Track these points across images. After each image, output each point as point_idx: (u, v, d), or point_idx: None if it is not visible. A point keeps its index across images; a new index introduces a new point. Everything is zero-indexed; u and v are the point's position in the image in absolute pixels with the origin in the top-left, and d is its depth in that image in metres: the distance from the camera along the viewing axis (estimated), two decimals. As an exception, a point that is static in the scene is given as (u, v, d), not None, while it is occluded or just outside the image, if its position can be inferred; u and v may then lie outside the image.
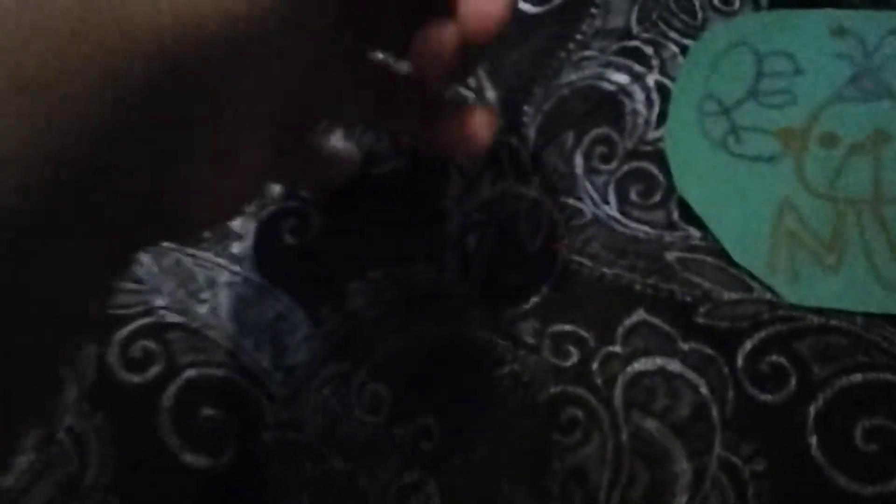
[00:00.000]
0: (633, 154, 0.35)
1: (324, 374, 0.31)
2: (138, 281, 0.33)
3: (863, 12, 0.36)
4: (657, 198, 0.34)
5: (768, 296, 0.31)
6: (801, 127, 0.34)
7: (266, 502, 0.29)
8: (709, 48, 0.36)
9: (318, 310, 0.31)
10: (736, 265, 0.32)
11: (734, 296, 0.31)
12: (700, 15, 0.37)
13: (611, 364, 0.30)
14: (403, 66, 0.28)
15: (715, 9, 0.37)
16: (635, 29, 0.37)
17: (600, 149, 0.35)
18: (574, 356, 0.31)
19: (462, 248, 0.33)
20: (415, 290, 0.32)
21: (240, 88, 0.18)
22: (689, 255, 0.32)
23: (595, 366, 0.30)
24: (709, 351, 0.30)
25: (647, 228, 0.33)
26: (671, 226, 0.33)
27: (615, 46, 0.37)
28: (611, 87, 0.36)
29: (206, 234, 0.33)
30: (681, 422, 0.29)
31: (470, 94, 0.36)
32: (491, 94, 0.36)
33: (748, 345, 0.30)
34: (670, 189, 0.34)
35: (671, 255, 0.32)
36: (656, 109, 0.35)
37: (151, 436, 0.30)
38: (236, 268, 0.33)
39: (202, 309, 0.32)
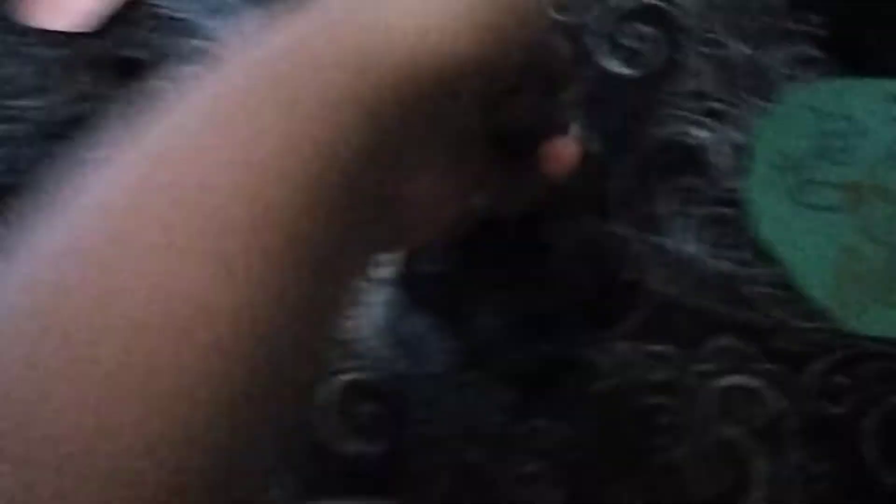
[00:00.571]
0: (715, 200, 0.41)
1: (459, 379, 0.37)
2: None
3: (916, 82, 0.42)
4: (735, 239, 0.40)
5: (834, 325, 0.37)
6: (860, 181, 0.40)
7: (411, 486, 0.35)
8: (781, 110, 0.42)
9: (453, 326, 0.38)
10: (807, 298, 0.38)
11: (805, 324, 0.37)
12: (774, 80, 0.43)
13: (698, 379, 0.36)
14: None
15: (787, 76, 0.43)
16: (717, 92, 0.43)
17: (684, 195, 0.41)
18: (666, 372, 0.37)
19: (564, 277, 0.39)
20: (531, 312, 0.38)
21: (462, 117, 0.24)
22: (764, 290, 0.38)
23: (684, 380, 0.36)
24: (783, 370, 0.36)
25: (727, 265, 0.39)
26: (748, 263, 0.39)
27: (698, 106, 0.43)
28: (694, 142, 0.42)
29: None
30: (759, 428, 0.35)
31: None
32: (590, 145, 0.43)
33: (817, 366, 0.36)
34: (747, 231, 0.40)
35: (749, 289, 0.38)
36: (734, 162, 0.41)
37: (312, 429, 0.37)
38: (384, 290, 0.39)
39: (355, 323, 0.38)
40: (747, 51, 0.44)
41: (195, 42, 0.46)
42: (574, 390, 0.36)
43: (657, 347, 0.37)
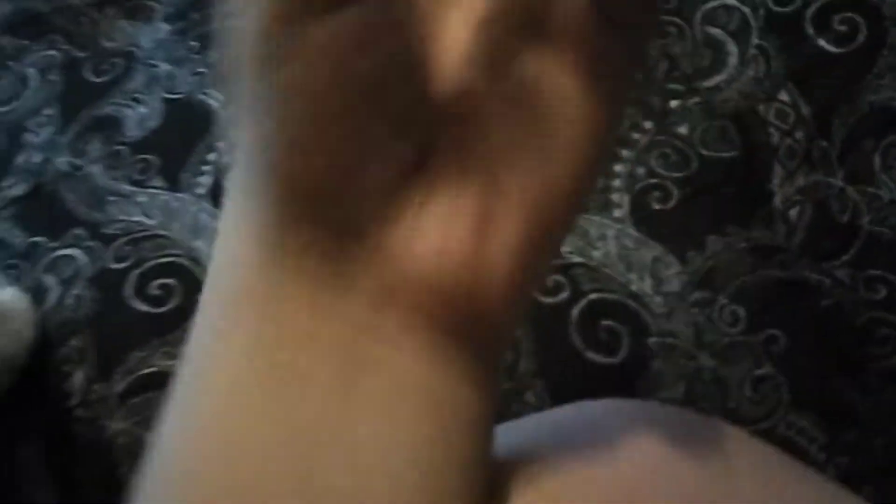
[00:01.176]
0: (925, 154, 0.45)
1: (692, 298, 0.42)
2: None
3: None
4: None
5: None
6: None
7: (651, 390, 0.41)
8: None
9: (685, 253, 0.43)
10: None
11: None
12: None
13: (914, 300, 0.40)
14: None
15: None
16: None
17: (894, 151, 0.45)
18: (882, 292, 0.41)
19: (786, 218, 0.44)
20: (757, 243, 0.43)
21: None
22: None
23: (900, 301, 0.40)
24: None
25: (939, 207, 0.43)
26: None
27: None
28: (902, 106, 0.47)
29: (591, 203, 0.46)
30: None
31: (790, 110, 0.48)
32: (805, 109, 0.48)
33: None
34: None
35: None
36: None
37: (563, 340, 0.43)
38: (619, 226, 0.45)
39: (597, 253, 0.44)
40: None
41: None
42: (800, 306, 0.41)
43: (874, 272, 0.41)
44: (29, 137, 0.64)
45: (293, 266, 0.13)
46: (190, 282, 0.53)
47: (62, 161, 0.62)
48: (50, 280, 0.55)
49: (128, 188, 0.58)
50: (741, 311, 0.41)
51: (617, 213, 0.46)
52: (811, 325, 0.40)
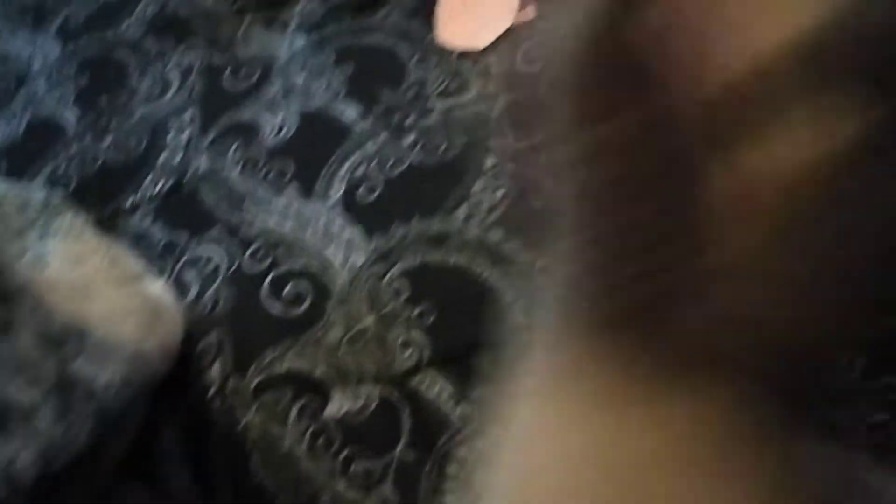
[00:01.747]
0: None
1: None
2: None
3: None
4: None
5: None
6: None
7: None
8: None
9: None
10: None
11: None
12: None
13: None
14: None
15: None
16: None
17: None
18: None
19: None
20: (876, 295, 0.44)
21: None
22: None
23: None
24: None
25: None
26: None
27: None
28: None
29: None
30: None
31: None
32: None
33: None
34: None
35: None
36: None
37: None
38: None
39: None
40: None
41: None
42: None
43: None
44: (170, 138, 0.68)
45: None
46: (319, 287, 0.56)
47: (202, 162, 0.66)
48: (190, 276, 0.58)
49: (264, 193, 0.62)
50: (862, 360, 0.43)
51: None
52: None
